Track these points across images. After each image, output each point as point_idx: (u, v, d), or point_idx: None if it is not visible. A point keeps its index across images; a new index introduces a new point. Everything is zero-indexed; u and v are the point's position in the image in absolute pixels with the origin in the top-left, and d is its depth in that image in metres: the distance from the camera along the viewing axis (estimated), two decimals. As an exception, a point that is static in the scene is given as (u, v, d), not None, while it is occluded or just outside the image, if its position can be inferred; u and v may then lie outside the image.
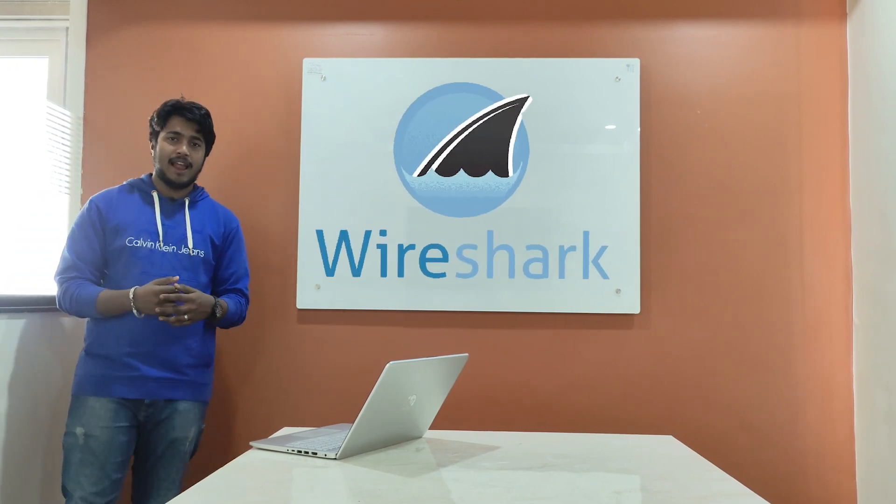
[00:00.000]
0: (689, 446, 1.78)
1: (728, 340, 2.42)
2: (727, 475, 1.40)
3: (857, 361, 2.37)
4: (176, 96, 2.12)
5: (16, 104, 2.46)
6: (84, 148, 2.53)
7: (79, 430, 1.94)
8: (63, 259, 2.02)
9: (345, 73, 2.48)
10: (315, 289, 2.44)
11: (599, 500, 1.20)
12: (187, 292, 1.94)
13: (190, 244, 2.06)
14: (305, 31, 2.53)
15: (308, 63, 2.48)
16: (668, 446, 1.71)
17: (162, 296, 1.89)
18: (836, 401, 2.39)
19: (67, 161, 2.49)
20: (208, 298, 2.01)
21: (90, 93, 2.54)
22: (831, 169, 2.44)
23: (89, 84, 2.54)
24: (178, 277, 1.94)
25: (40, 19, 2.59)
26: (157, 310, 1.90)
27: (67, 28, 2.56)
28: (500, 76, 2.46)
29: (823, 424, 2.38)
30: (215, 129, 2.15)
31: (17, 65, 2.65)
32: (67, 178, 2.49)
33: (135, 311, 1.93)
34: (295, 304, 2.45)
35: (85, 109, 2.53)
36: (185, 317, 1.92)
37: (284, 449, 1.52)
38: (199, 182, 2.19)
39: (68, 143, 2.48)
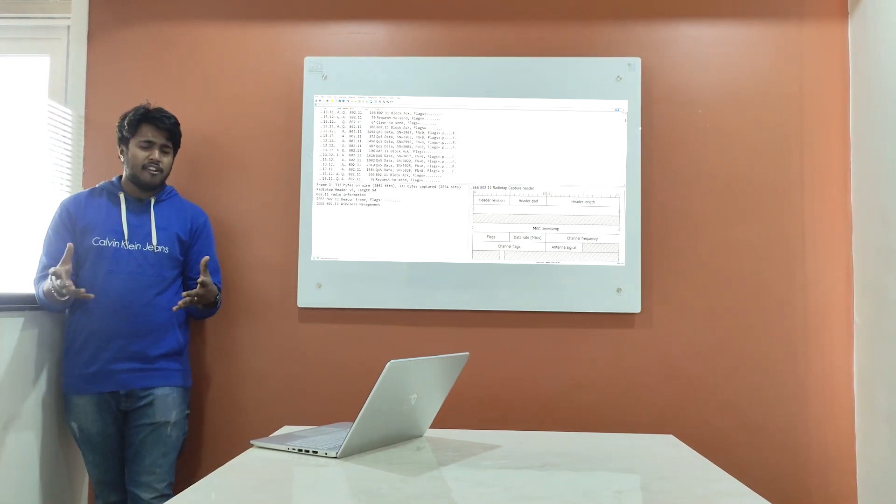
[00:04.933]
0: (690, 445, 1.78)
1: (729, 339, 2.42)
2: (728, 474, 1.40)
3: (857, 360, 2.37)
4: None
5: (17, 102, 2.46)
6: (85, 146, 2.53)
7: (73, 425, 2.11)
8: (39, 262, 2.14)
9: (346, 72, 2.48)
10: (316, 287, 2.44)
11: (600, 499, 1.20)
12: (204, 285, 2.07)
13: (154, 241, 2.15)
14: (307, 29, 2.53)
15: (309, 62, 2.48)
16: (668, 445, 1.71)
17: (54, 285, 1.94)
18: (837, 400, 2.39)
19: (68, 159, 2.49)
20: (215, 288, 2.17)
21: (91, 91, 2.54)
22: (832, 168, 2.44)
23: (90, 82, 2.54)
24: (205, 259, 2.07)
25: (42, 18, 2.59)
26: (55, 284, 1.93)
27: (69, 27, 2.56)
28: (501, 75, 2.46)
29: (824, 423, 2.38)
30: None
31: (18, 63, 2.65)
32: (68, 177, 2.49)
33: (55, 293, 1.97)
34: (296, 303, 2.45)
35: (86, 108, 2.54)
36: (195, 298, 2.06)
37: (285, 447, 1.52)
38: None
39: (69, 142, 2.48)
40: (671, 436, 1.86)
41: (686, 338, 2.43)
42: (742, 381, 2.41)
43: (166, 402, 2.11)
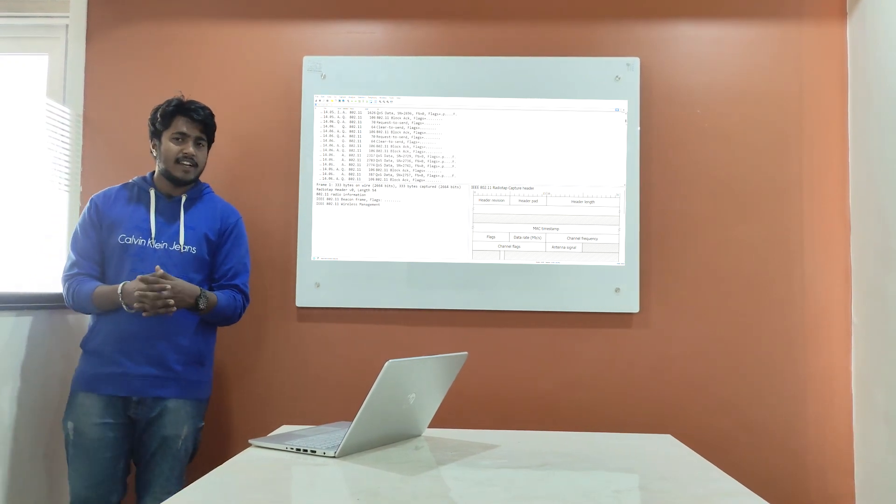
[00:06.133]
0: (688, 445, 1.78)
1: (727, 339, 2.42)
2: (726, 474, 1.40)
3: (856, 360, 2.37)
4: (175, 93, 2.12)
5: (15, 101, 2.46)
6: (84, 145, 2.53)
7: (69, 425, 1.99)
8: (68, 258, 2.07)
9: (345, 71, 2.47)
10: (315, 287, 2.44)
11: (598, 498, 1.20)
12: (166, 279, 1.92)
13: (181, 241, 2.06)
14: (305, 28, 2.53)
15: (308, 61, 2.48)
16: (666, 445, 1.71)
17: (138, 293, 1.89)
18: (835, 400, 2.39)
19: (67, 158, 2.48)
20: (192, 288, 1.99)
21: (90, 90, 2.53)
22: (831, 168, 2.44)
23: (89, 81, 2.54)
24: (158, 267, 1.92)
25: (40, 16, 2.59)
26: (136, 305, 1.90)
27: (67, 25, 2.55)
28: (501, 75, 2.46)
29: (822, 423, 2.39)
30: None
31: (16, 62, 2.64)
32: (67, 176, 2.49)
33: (125, 307, 1.94)
34: (294, 303, 2.45)
35: (84, 107, 2.53)
36: (170, 304, 1.90)
37: (283, 447, 1.52)
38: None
39: (68, 141, 2.48)
40: (669, 435, 1.86)
41: (684, 338, 2.43)
42: (740, 381, 2.41)
43: (178, 416, 2.02)
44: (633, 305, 2.41)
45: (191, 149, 2.06)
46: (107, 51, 2.54)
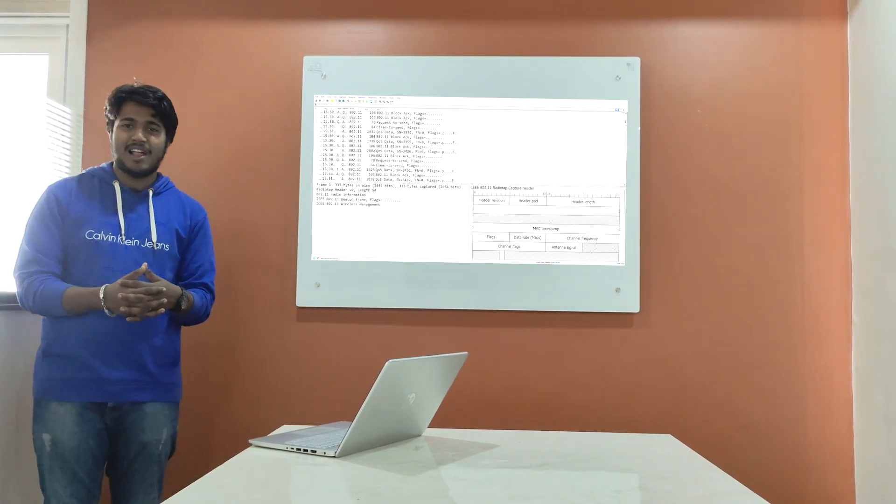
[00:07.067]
0: (688, 445, 1.78)
1: (727, 339, 2.42)
2: (726, 474, 1.40)
3: (856, 360, 2.37)
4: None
5: (16, 101, 2.46)
6: (84, 145, 2.53)
7: (45, 437, 1.85)
8: (22, 253, 1.88)
9: (345, 71, 2.48)
10: (315, 287, 2.44)
11: (598, 498, 1.20)
12: (154, 281, 1.83)
13: (154, 237, 1.95)
14: (306, 28, 2.53)
15: (308, 61, 2.48)
16: (666, 445, 1.71)
17: (121, 295, 1.78)
18: (835, 400, 2.39)
19: (67, 158, 2.49)
20: (175, 288, 1.90)
21: (90, 90, 2.54)
22: (831, 168, 2.44)
23: (89, 81, 2.54)
24: (146, 265, 1.81)
25: (41, 16, 2.59)
26: (123, 309, 1.78)
27: (68, 25, 2.56)
28: (501, 75, 2.46)
29: (822, 423, 2.39)
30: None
31: (17, 62, 2.64)
32: (67, 176, 2.49)
33: (107, 312, 1.81)
34: (294, 302, 2.45)
35: (85, 107, 2.54)
36: (164, 304, 1.83)
37: (284, 447, 1.52)
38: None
39: (68, 141, 2.48)
40: (669, 435, 1.86)
41: (684, 337, 2.43)
42: (740, 381, 2.41)
43: (157, 420, 1.94)
44: (633, 305, 2.41)
45: (140, 135, 1.91)
46: (107, 51, 2.54)
